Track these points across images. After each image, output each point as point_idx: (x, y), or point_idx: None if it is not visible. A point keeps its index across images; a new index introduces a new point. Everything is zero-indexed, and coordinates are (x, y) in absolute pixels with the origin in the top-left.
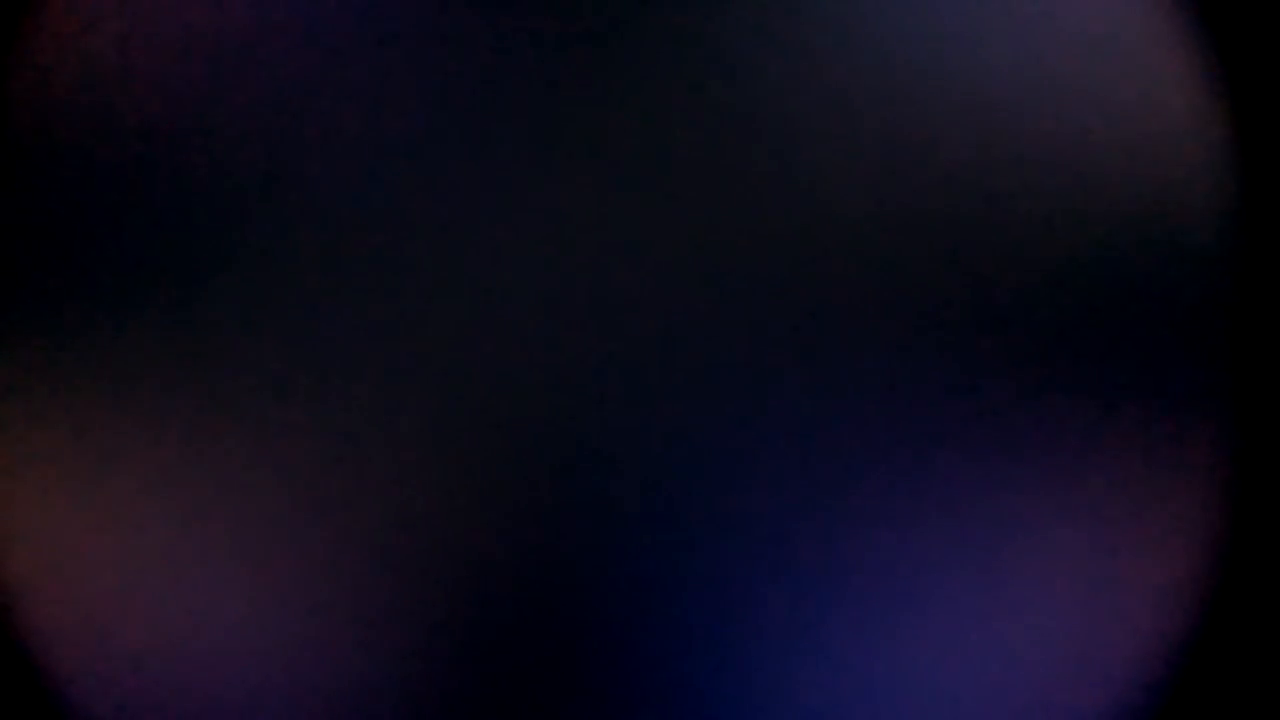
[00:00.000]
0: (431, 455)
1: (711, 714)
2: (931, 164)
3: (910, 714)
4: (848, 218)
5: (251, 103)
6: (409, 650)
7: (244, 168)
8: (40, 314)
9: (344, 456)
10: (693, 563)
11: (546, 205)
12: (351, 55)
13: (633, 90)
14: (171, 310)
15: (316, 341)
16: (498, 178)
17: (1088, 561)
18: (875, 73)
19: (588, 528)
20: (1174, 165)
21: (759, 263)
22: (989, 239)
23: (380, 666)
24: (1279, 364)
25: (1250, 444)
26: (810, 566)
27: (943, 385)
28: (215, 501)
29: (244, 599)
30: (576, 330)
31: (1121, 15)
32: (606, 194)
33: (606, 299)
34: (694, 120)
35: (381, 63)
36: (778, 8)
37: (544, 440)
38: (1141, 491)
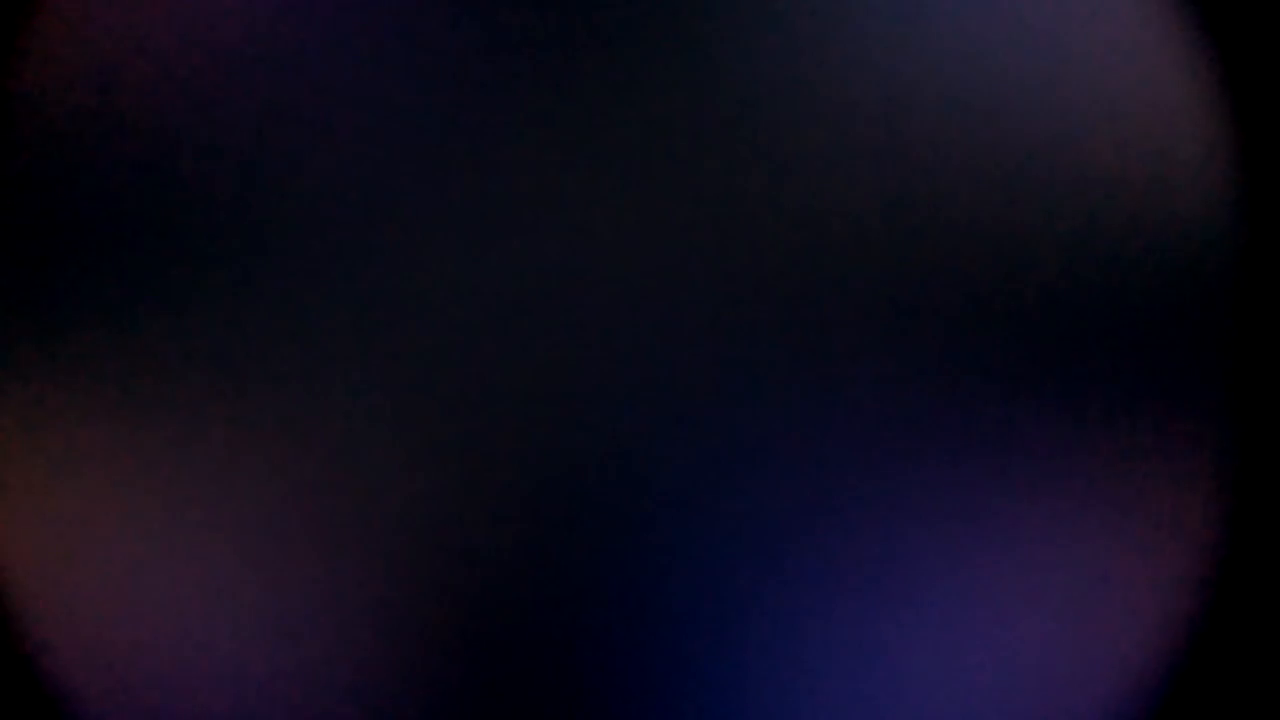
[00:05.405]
0: (431, 456)
1: (710, 715)
2: (929, 165)
3: (910, 715)
4: (846, 219)
5: (252, 101)
6: (410, 650)
7: (245, 167)
8: (40, 314)
9: (346, 458)
10: (690, 564)
11: (545, 206)
12: (351, 55)
13: (634, 91)
14: (172, 310)
15: (319, 342)
16: (500, 179)
17: (1086, 562)
18: (874, 73)
19: (586, 529)
20: (1174, 165)
21: (758, 265)
22: (988, 240)
23: (381, 667)
24: (1279, 364)
25: (1250, 444)
26: (809, 568)
27: (941, 386)
28: (216, 503)
29: (244, 600)
30: (576, 330)
31: (1121, 16)
32: (607, 196)
33: (606, 300)
34: (696, 120)
35: (382, 62)
36: (777, 10)
37: (542, 440)
38: (1141, 492)
